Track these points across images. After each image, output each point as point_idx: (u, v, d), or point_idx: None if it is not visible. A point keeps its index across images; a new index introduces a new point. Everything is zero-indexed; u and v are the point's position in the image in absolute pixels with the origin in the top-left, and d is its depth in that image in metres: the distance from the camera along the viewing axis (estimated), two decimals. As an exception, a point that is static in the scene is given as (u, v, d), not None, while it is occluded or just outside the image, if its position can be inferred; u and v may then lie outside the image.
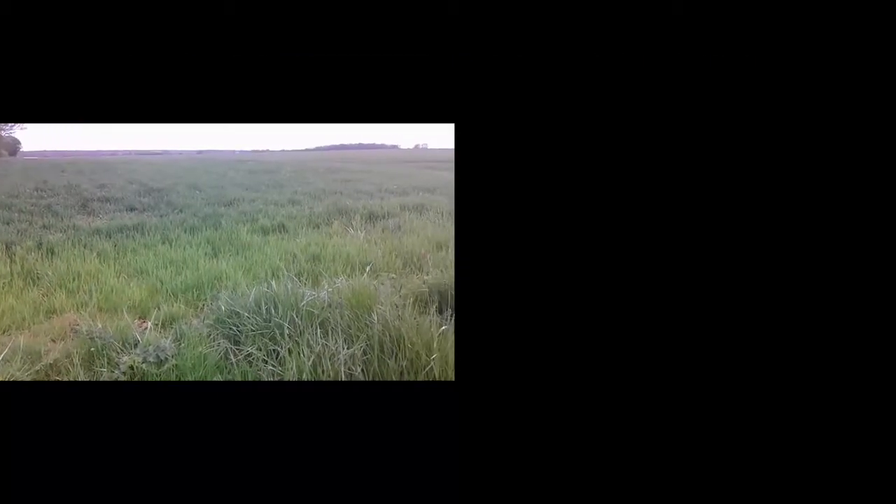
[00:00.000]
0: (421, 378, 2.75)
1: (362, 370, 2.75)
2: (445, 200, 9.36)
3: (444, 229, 6.62)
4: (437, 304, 3.77)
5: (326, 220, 7.73)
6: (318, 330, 2.97)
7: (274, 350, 2.94)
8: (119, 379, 2.82)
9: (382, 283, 4.23)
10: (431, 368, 2.79)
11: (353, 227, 6.87)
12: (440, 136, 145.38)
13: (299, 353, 2.80)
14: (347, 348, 2.85)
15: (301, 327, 3.03)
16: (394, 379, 2.74)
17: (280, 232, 6.75)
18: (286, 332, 3.00)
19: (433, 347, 2.90)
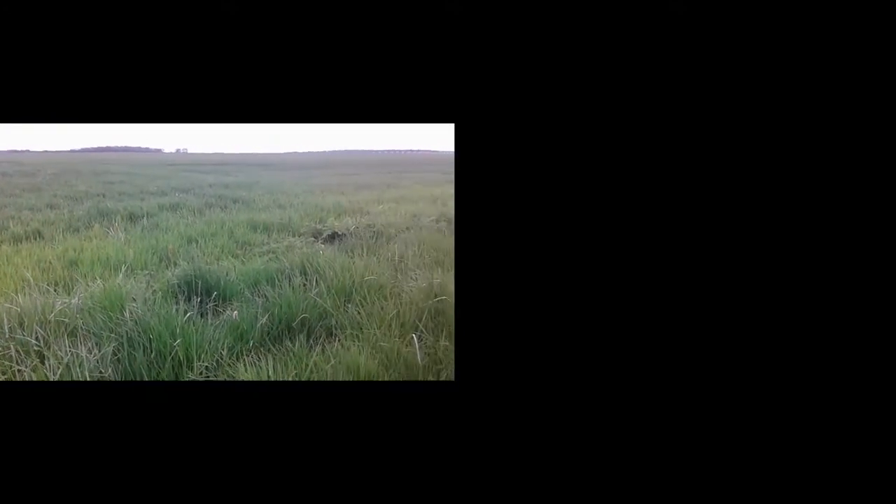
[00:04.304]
0: (168, 364, 2.46)
1: (112, 369, 2.37)
2: (195, 200, 8.43)
3: (193, 226, 5.97)
4: (185, 293, 3.42)
5: (87, 223, 6.42)
6: (68, 339, 2.47)
7: (17, 371, 2.33)
8: None
9: (138, 281, 3.69)
10: (176, 353, 2.52)
11: (113, 229, 5.82)
12: (201, 141, 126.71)
13: (45, 368, 2.29)
14: (99, 351, 2.43)
15: (49, 339, 2.49)
16: (143, 370, 2.41)
17: (35, 239, 5.41)
18: (32, 347, 2.43)
19: (177, 333, 2.62)
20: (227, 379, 2.38)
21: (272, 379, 2.30)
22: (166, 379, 2.39)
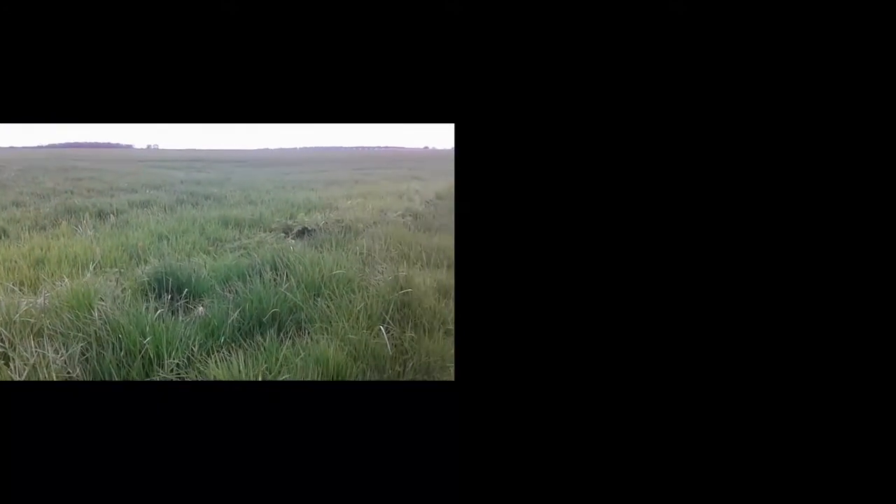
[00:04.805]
0: (137, 362, 2.36)
1: (81, 369, 2.25)
2: (166, 196, 8.09)
3: (165, 222, 5.72)
4: (156, 290, 3.27)
5: (54, 220, 6.06)
6: (34, 340, 2.33)
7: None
8: None
9: (107, 279, 3.51)
10: (146, 351, 2.41)
11: (82, 227, 5.51)
12: (172, 136, 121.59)
13: (10, 370, 2.15)
14: (66, 351, 2.30)
15: (14, 340, 2.34)
16: (112, 370, 2.30)
17: (0, 237, 5.08)
18: (-4, 349, 2.29)
19: (147, 331, 2.50)
20: (199, 376, 2.30)
21: (242, 374, 2.23)
22: (136, 378, 2.29)
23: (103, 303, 2.78)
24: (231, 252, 4.37)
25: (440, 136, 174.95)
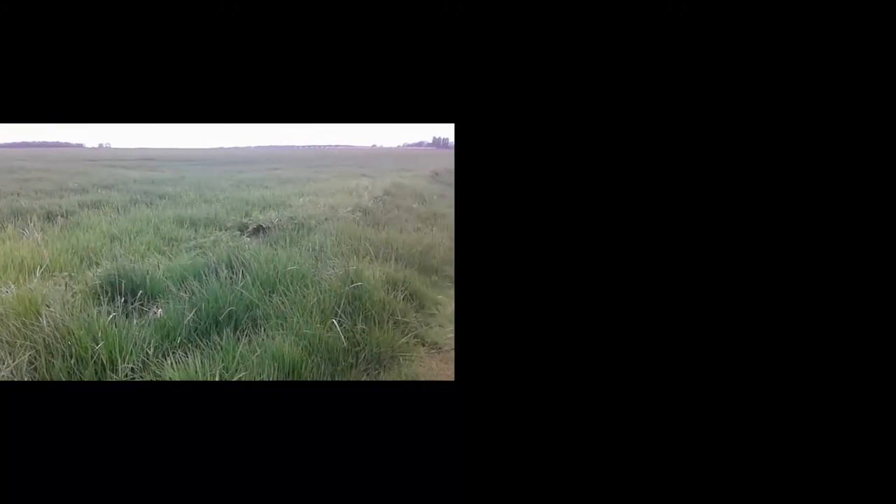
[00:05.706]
0: (90, 369, 2.15)
1: (29, 379, 2.02)
2: (119, 196, 7.42)
3: (117, 223, 5.25)
4: (109, 294, 2.99)
5: (-1, 224, 5.41)
6: (-26, 352, 2.07)
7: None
8: None
9: (57, 284, 3.17)
10: (99, 357, 2.20)
11: (29, 229, 4.94)
12: (123, 136, 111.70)
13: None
14: (13, 361, 2.06)
15: (-49, 355, 2.07)
16: (62, 378, 2.08)
17: (-61, 244, 4.46)
18: (-69, 365, 2.01)
19: (99, 336, 2.29)
20: (155, 379, 2.13)
21: (199, 374, 2.09)
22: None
23: (52, 309, 2.51)
24: (187, 252, 4.08)
25: (387, 135, 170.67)
